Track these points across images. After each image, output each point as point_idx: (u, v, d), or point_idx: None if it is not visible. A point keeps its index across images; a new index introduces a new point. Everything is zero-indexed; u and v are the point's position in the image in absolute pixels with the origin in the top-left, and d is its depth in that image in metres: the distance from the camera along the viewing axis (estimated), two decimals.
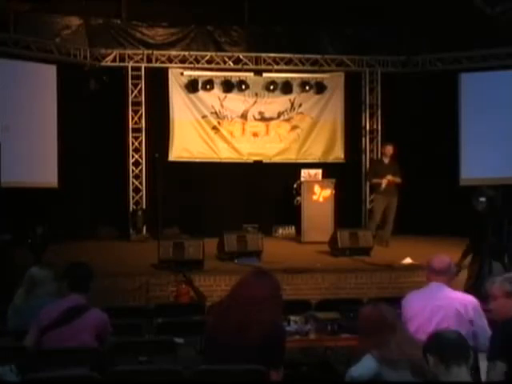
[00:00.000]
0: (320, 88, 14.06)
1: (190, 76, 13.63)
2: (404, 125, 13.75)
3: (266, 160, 14.09)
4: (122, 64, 13.38)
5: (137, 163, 13.48)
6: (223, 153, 13.95)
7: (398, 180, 12.15)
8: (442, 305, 4.72)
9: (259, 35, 14.04)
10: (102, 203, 13.08)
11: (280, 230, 13.70)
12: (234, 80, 13.76)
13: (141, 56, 13.44)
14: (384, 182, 12.08)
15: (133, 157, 13.44)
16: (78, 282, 5.15)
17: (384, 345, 4.06)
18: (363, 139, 14.44)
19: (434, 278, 4.91)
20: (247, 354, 4.06)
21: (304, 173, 12.93)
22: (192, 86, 13.61)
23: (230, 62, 13.70)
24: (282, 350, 4.20)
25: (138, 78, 13.45)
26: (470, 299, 4.81)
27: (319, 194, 12.70)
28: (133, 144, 13.45)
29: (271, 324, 4.11)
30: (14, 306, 5.68)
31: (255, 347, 4.04)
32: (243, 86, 13.71)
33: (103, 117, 13.09)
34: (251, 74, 13.88)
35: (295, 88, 14.00)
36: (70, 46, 12.99)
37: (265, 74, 13.92)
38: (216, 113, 13.87)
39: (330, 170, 13.29)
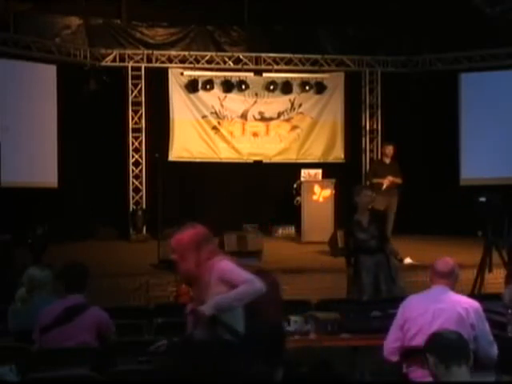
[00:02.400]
0: (320, 88, 14.04)
1: (190, 76, 13.63)
2: (404, 125, 13.74)
3: (265, 160, 14.08)
4: (122, 64, 13.37)
5: (137, 163, 13.47)
6: (223, 153, 13.94)
7: (398, 181, 12.12)
8: (445, 308, 4.69)
9: (259, 35, 14.04)
10: (102, 203, 13.07)
11: (280, 230, 13.68)
12: (234, 80, 13.75)
13: (141, 56, 13.44)
14: (385, 183, 12.08)
15: (133, 157, 13.44)
16: (73, 281, 5.16)
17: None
18: (363, 139, 14.43)
19: (438, 280, 4.86)
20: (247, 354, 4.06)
21: (304, 173, 12.92)
22: (192, 86, 13.60)
23: (230, 62, 13.70)
24: (282, 350, 4.19)
25: (138, 77, 13.45)
26: (472, 303, 4.78)
27: (319, 194, 12.69)
28: (133, 144, 13.45)
29: (271, 324, 4.11)
30: (15, 306, 5.68)
31: (255, 347, 4.04)
32: (243, 86, 13.70)
33: (103, 117, 13.08)
34: (251, 74, 13.87)
35: (295, 88, 13.99)
36: (69, 46, 12.99)
37: (265, 74, 13.91)
38: (216, 113, 13.85)
39: (330, 170, 13.28)
